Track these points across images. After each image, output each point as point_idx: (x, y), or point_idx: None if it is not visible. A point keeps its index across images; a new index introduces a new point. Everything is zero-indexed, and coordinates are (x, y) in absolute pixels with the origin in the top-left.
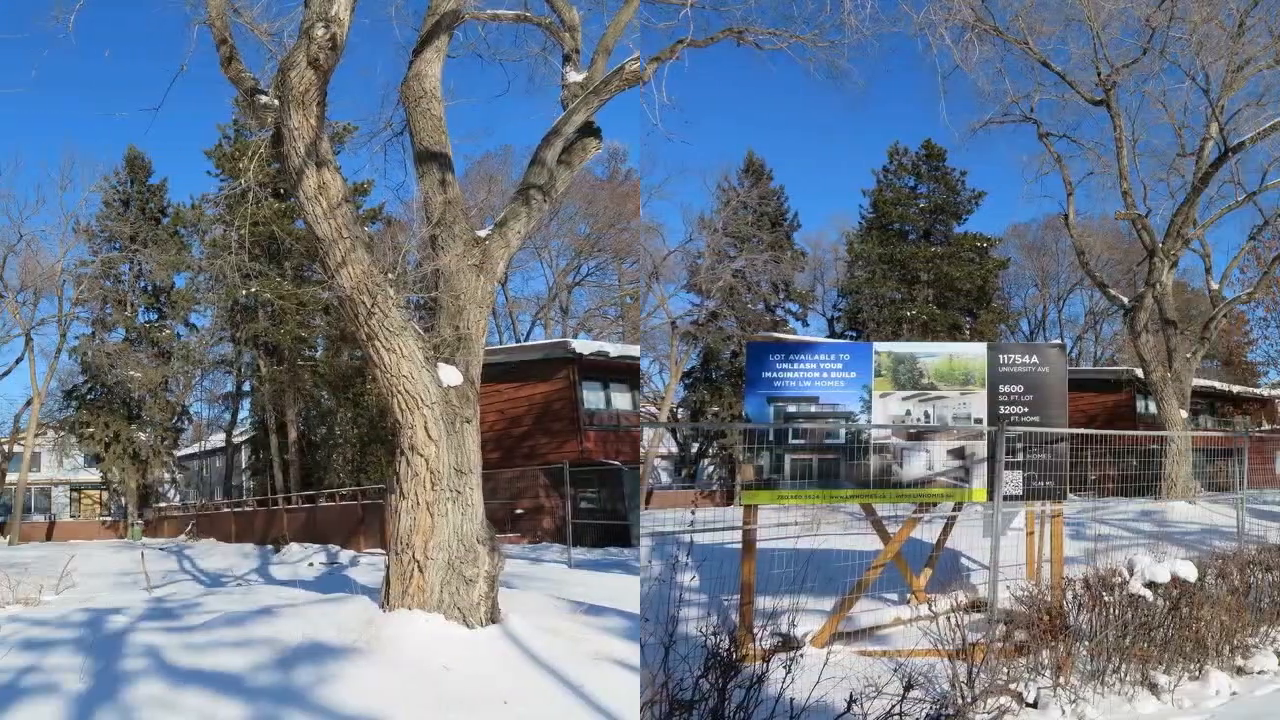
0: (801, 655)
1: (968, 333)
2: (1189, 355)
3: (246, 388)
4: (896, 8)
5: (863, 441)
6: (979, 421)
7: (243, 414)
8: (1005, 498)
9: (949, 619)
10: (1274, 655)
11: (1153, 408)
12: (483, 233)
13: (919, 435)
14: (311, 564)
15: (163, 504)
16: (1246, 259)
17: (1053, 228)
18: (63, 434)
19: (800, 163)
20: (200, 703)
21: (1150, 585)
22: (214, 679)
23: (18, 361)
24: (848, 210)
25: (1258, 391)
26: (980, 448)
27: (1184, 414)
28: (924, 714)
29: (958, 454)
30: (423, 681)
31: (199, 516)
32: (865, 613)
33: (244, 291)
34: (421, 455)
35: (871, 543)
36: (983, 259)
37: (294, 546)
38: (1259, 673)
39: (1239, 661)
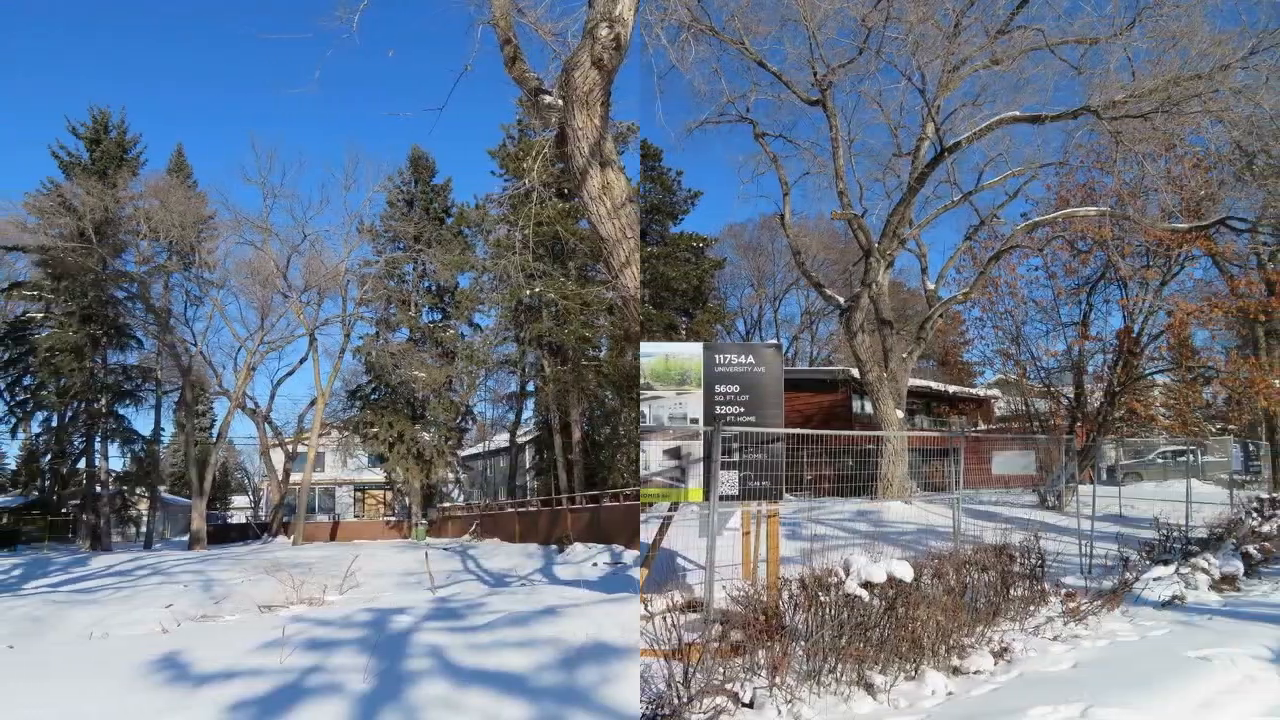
0: None
1: (684, 333)
2: (905, 355)
3: (530, 388)
4: None
5: None
6: (695, 421)
7: (526, 414)
8: (721, 498)
9: (665, 619)
10: (990, 655)
11: (869, 407)
12: None
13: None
14: (595, 564)
15: (446, 504)
16: (963, 259)
17: (769, 228)
18: (347, 434)
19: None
20: (484, 703)
21: (866, 585)
22: (497, 679)
23: (302, 361)
24: None
25: (974, 391)
26: (696, 448)
27: (900, 414)
28: (640, 714)
29: (674, 454)
30: None
31: (482, 516)
32: None
33: (528, 291)
34: None
35: None
36: (699, 259)
37: (578, 546)
38: (975, 673)
39: (955, 661)
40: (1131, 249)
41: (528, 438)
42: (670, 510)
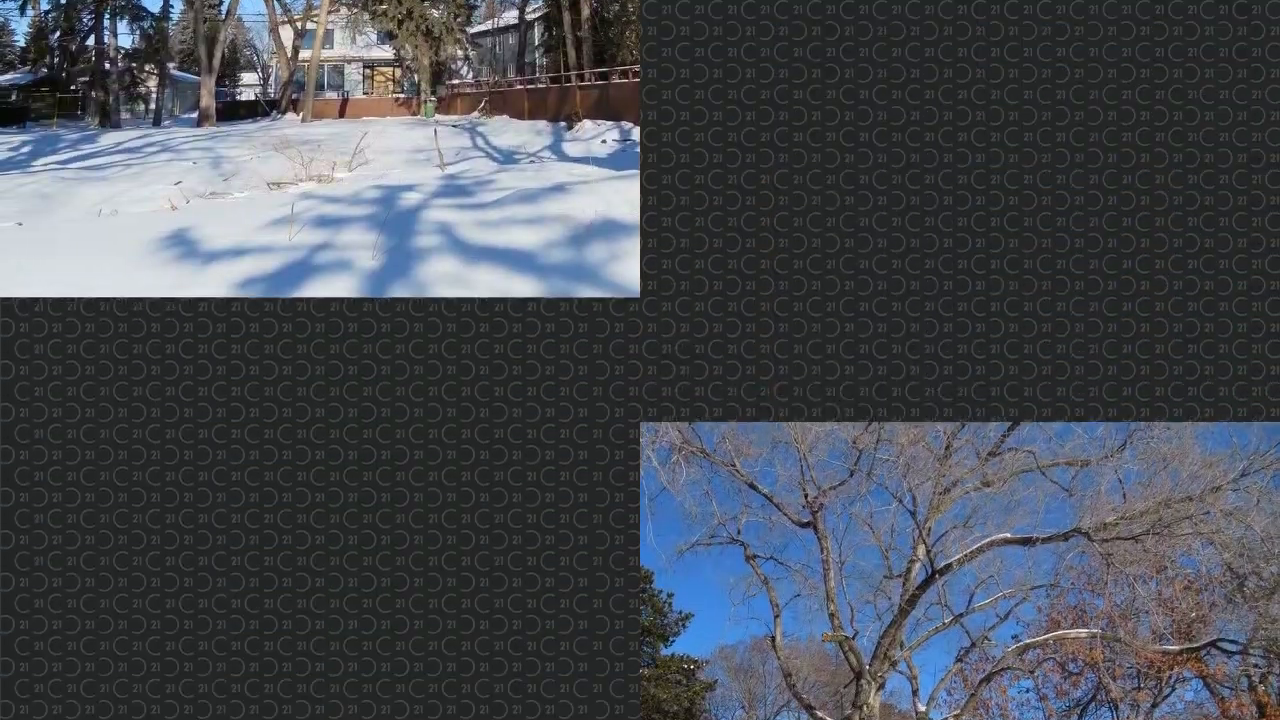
0: None
1: None
2: None
3: None
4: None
5: None
6: None
7: None
8: None
9: None
10: None
11: None
12: None
13: None
14: (604, 141)
15: (455, 81)
16: (954, 680)
17: (760, 649)
18: (356, 10)
19: None
20: (492, 279)
21: None
22: (505, 256)
23: None
24: None
25: None
26: None
27: None
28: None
29: None
30: None
31: (491, 94)
32: None
33: None
34: None
35: None
36: (690, 681)
37: (587, 124)
38: None
39: None
40: (1122, 670)
41: (537, 14)
42: None
